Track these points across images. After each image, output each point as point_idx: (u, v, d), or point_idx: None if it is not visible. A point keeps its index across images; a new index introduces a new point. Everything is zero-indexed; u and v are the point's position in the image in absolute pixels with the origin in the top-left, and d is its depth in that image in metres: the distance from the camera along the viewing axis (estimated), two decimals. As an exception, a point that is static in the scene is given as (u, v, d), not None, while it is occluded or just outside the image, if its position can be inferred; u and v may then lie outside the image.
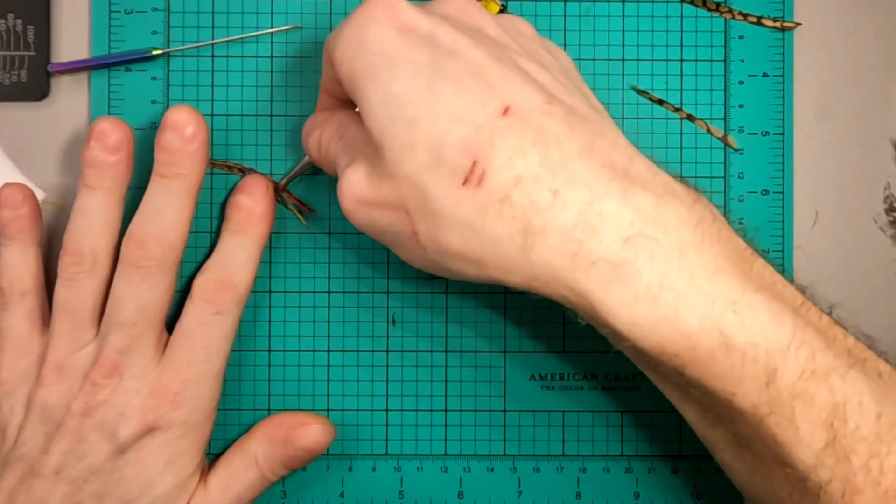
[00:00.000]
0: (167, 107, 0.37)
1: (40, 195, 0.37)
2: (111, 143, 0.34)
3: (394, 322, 0.37)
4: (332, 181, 0.37)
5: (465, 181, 0.27)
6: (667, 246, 0.27)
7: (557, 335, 0.38)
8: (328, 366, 0.37)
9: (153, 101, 0.37)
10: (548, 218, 0.27)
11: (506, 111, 0.28)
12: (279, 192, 0.37)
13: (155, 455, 0.33)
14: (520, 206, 0.27)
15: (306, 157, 0.36)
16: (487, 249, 0.28)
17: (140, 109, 0.37)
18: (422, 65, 0.28)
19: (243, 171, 0.37)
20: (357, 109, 0.33)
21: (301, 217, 0.37)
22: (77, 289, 0.34)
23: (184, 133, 0.34)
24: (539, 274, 0.28)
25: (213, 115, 0.37)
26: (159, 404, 0.33)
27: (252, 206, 0.35)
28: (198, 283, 0.35)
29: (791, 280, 0.30)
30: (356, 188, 0.30)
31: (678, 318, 0.27)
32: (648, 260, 0.27)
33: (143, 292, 0.33)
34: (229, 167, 0.37)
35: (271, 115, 0.37)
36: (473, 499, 0.37)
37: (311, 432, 0.35)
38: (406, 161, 0.28)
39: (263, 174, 0.37)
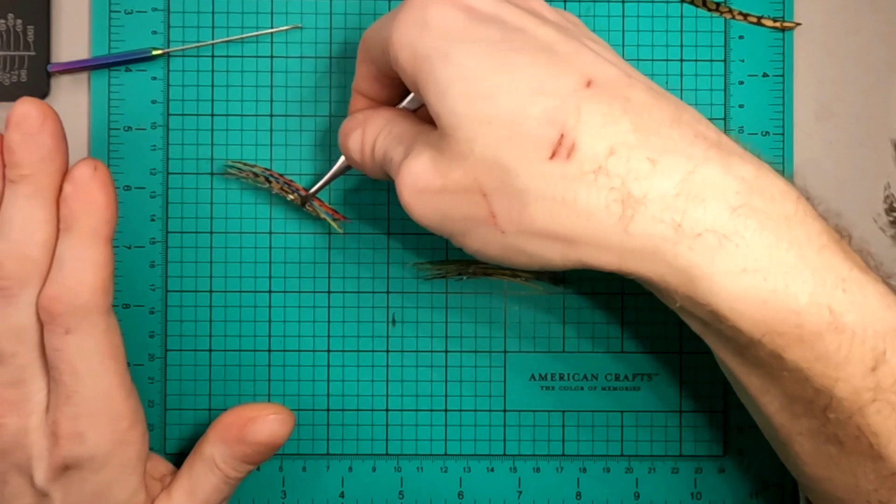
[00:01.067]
0: (167, 107, 0.37)
1: None
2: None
3: (394, 322, 0.37)
4: (333, 181, 0.37)
5: (553, 154, 0.26)
6: (774, 217, 0.26)
7: (557, 335, 0.38)
8: (328, 366, 0.37)
9: (153, 101, 0.37)
10: (648, 187, 0.26)
11: (589, 83, 0.27)
12: (309, 201, 0.36)
13: (80, 491, 0.32)
14: (617, 175, 0.26)
15: (339, 163, 0.35)
16: (581, 224, 0.26)
17: (140, 109, 0.37)
18: (492, 41, 0.27)
19: (269, 181, 0.37)
20: (401, 105, 0.32)
21: (336, 225, 0.37)
22: None
23: (25, 127, 0.30)
24: (637, 248, 0.26)
25: (213, 115, 0.37)
26: (59, 444, 0.31)
27: (73, 197, 0.31)
28: (38, 305, 0.31)
29: None
30: (420, 176, 0.28)
31: (787, 294, 0.26)
32: (757, 231, 0.26)
33: (12, 315, 0.31)
34: (255, 175, 0.36)
35: (271, 115, 0.37)
36: (473, 499, 0.37)
37: (265, 426, 0.34)
38: (482, 138, 0.27)
39: (298, 186, 0.37)
